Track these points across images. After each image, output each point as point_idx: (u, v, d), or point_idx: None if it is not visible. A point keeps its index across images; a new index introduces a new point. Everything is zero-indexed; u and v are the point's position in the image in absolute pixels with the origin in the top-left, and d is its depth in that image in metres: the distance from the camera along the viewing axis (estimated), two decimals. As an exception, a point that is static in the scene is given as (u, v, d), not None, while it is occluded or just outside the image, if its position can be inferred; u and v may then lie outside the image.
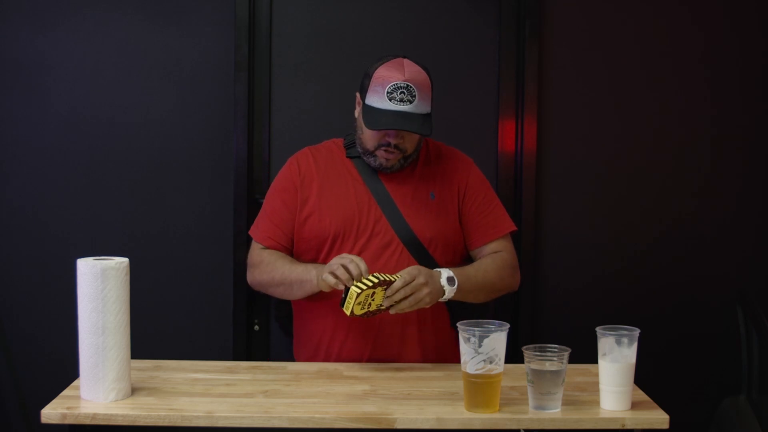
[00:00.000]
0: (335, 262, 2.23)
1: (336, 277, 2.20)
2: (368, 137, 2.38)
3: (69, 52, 3.11)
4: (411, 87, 2.32)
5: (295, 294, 2.41)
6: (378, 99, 2.33)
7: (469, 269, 2.39)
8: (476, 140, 3.17)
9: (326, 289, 2.26)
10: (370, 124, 2.33)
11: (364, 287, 2.16)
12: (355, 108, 2.46)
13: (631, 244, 3.20)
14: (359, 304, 2.19)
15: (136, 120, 3.13)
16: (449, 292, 2.29)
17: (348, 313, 2.19)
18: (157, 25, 3.11)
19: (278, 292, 2.45)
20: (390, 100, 2.31)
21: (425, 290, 2.23)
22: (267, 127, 3.15)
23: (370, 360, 2.37)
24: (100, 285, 1.93)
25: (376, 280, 2.17)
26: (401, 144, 2.37)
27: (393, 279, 2.21)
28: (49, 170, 3.12)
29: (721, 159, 3.22)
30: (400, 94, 2.32)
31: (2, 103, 3.11)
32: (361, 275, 2.18)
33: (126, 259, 1.99)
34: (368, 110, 2.36)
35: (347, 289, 2.19)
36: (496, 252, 2.47)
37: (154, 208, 3.14)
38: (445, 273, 2.30)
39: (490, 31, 3.18)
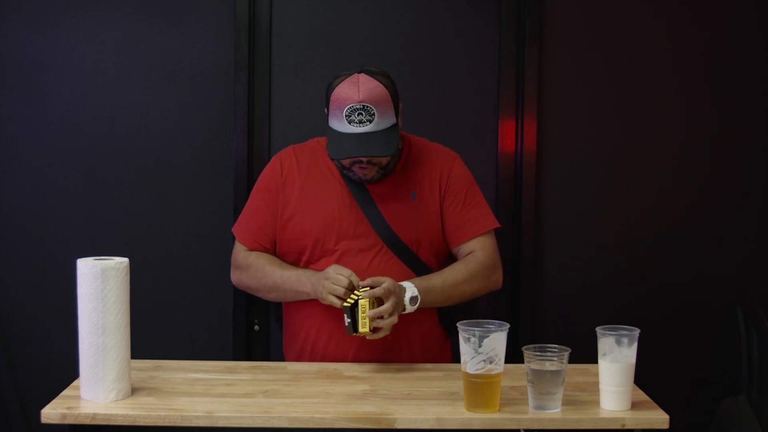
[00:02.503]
0: (328, 278, 2.25)
1: (337, 297, 2.23)
2: None
3: (69, 52, 3.11)
4: (368, 107, 2.27)
5: (289, 299, 2.43)
6: (338, 122, 2.30)
7: (436, 280, 2.36)
8: (476, 140, 3.17)
9: (324, 302, 2.28)
10: (333, 153, 2.31)
11: (357, 297, 2.20)
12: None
13: (631, 244, 3.20)
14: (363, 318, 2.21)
15: (136, 120, 3.12)
16: (409, 309, 2.29)
17: (367, 330, 2.20)
18: (157, 25, 3.11)
19: (270, 297, 2.46)
20: (349, 123, 2.28)
21: (398, 311, 2.26)
22: (267, 127, 3.15)
23: (354, 360, 2.37)
24: (100, 285, 1.93)
25: (360, 293, 2.21)
26: (373, 159, 2.34)
27: (367, 289, 2.23)
28: (49, 170, 3.12)
29: (721, 159, 3.22)
30: (358, 116, 2.27)
31: (2, 103, 3.11)
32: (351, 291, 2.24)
33: (126, 259, 1.99)
34: (331, 135, 2.33)
35: (351, 310, 2.21)
36: (472, 252, 2.44)
37: (154, 208, 3.14)
38: (409, 292, 2.28)
39: (490, 31, 3.18)
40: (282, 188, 2.44)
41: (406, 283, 2.30)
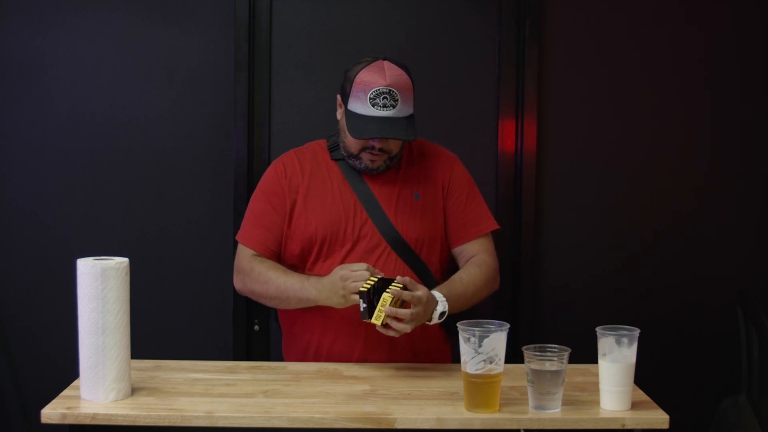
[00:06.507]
0: (347, 278, 2.21)
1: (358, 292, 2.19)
2: (352, 142, 2.36)
3: (69, 52, 3.11)
4: (393, 92, 2.30)
5: (291, 306, 2.38)
6: (361, 105, 2.31)
7: (459, 287, 2.34)
8: (476, 140, 3.17)
9: (341, 306, 2.25)
10: (355, 133, 2.31)
11: (374, 283, 2.16)
12: (336, 110, 2.44)
13: (631, 244, 3.21)
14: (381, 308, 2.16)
15: (136, 120, 3.13)
16: (434, 322, 2.26)
17: (378, 323, 2.15)
18: (157, 25, 3.11)
19: (272, 303, 2.42)
20: (373, 106, 2.30)
21: (417, 321, 2.21)
22: (267, 127, 3.15)
23: (359, 361, 2.36)
24: (100, 285, 1.93)
25: (375, 279, 2.17)
26: (386, 146, 2.35)
27: (391, 279, 2.19)
28: (49, 170, 3.12)
29: (720, 159, 3.22)
30: (383, 99, 2.30)
31: (2, 103, 3.11)
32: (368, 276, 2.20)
33: (126, 259, 1.99)
34: (351, 116, 2.34)
35: (366, 295, 2.16)
36: (476, 255, 2.43)
37: (154, 208, 3.14)
38: (440, 306, 2.24)
39: (490, 31, 3.18)
40: (288, 190, 2.43)
41: (439, 297, 2.26)
